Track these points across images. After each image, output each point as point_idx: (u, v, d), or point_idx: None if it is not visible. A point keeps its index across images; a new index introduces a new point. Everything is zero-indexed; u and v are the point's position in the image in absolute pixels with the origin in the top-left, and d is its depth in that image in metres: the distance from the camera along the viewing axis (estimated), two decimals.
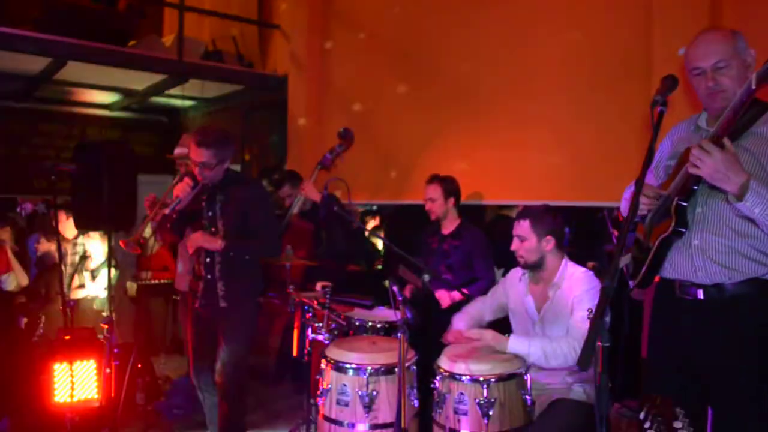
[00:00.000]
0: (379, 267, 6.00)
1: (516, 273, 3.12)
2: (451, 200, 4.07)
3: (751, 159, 2.02)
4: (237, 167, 3.78)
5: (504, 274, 4.43)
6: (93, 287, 4.93)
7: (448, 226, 4.10)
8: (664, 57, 3.49)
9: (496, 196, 4.56)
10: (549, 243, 2.88)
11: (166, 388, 4.68)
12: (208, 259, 3.43)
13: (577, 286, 2.79)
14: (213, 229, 3.42)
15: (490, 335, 2.79)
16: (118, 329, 3.29)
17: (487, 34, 4.57)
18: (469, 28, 4.70)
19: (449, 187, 4.07)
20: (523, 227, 2.89)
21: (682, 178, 2.08)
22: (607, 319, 1.59)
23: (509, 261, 4.45)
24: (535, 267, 2.92)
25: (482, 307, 3.25)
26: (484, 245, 4.03)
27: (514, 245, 2.94)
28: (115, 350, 3.09)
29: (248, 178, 3.42)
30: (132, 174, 4.80)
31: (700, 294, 2.11)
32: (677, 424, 1.61)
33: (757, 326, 2.02)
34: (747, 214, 1.93)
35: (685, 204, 2.09)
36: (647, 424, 1.65)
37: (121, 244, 3.35)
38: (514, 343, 2.72)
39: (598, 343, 1.55)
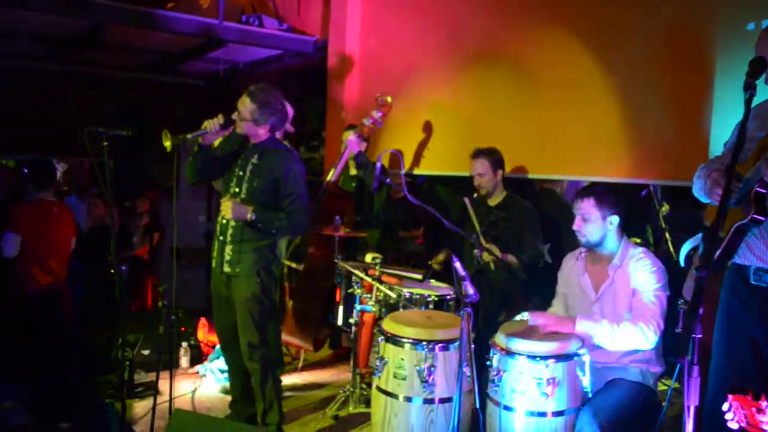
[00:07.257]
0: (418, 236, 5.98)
1: (569, 258, 3.11)
2: (499, 172, 4.02)
3: None
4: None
5: (548, 249, 4.45)
6: None
7: (495, 198, 4.06)
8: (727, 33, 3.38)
9: (538, 171, 4.49)
10: (612, 222, 2.86)
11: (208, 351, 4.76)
12: (224, 220, 3.39)
13: (640, 269, 2.77)
14: (237, 189, 3.37)
15: (553, 320, 2.79)
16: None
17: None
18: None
19: (495, 159, 4.01)
20: (587, 206, 2.85)
21: (763, 164, 2.04)
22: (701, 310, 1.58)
23: (553, 235, 4.47)
24: (595, 246, 2.90)
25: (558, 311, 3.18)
26: (533, 218, 4.00)
27: (577, 224, 2.89)
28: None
29: (287, 149, 3.40)
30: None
31: None
32: (763, 418, 1.61)
33: None
34: None
35: (764, 192, 2.06)
36: (731, 416, 1.65)
37: None
38: (581, 325, 2.71)
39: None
